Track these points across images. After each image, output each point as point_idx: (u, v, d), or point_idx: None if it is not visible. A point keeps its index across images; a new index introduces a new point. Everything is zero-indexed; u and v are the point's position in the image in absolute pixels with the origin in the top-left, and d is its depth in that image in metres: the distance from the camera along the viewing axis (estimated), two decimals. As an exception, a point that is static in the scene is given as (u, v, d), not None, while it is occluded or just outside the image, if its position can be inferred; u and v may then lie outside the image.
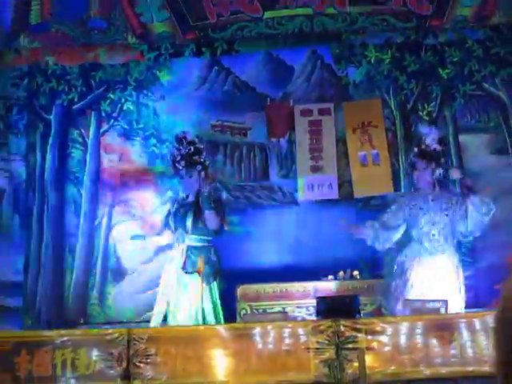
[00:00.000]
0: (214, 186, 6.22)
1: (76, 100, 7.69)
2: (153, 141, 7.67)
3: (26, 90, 7.71)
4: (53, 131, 7.69)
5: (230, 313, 6.26)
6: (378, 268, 6.59)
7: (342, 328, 4.79)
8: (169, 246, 6.27)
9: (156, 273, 6.73)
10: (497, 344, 1.17)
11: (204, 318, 5.89)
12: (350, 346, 4.76)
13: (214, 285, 6.03)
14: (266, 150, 7.74)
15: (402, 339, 4.82)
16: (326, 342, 4.77)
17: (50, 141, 7.68)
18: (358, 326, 4.82)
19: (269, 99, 7.73)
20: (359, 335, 4.78)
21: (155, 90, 7.75)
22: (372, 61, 7.57)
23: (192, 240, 6.05)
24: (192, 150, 6.11)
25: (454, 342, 4.78)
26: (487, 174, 7.08)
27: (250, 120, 7.74)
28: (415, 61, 7.54)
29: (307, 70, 7.81)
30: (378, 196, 7.26)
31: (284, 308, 6.61)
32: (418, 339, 4.82)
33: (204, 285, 5.95)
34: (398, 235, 5.91)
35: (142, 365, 4.80)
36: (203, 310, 5.90)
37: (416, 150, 5.93)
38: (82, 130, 7.75)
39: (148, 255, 7.25)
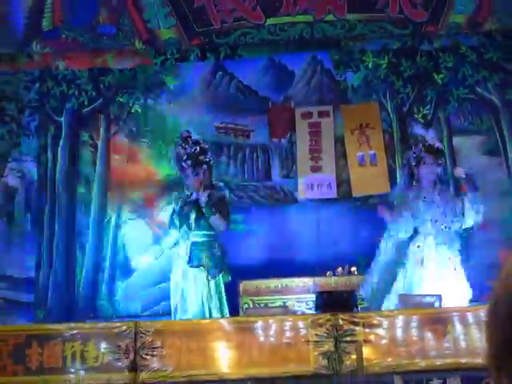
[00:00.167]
0: (213, 191, 6.20)
1: (86, 103, 7.75)
2: (159, 142, 7.74)
3: (37, 93, 7.76)
4: (64, 133, 7.75)
5: (233, 307, 6.31)
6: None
7: (341, 321, 4.91)
8: (175, 243, 6.32)
9: (163, 269, 6.81)
10: (489, 337, 1.18)
11: (210, 311, 5.97)
12: (348, 338, 4.87)
13: (220, 278, 6.10)
14: (269, 152, 7.81)
15: (399, 332, 4.94)
16: (325, 335, 4.88)
17: (61, 142, 7.74)
18: (355, 320, 4.94)
19: (271, 102, 7.81)
20: (357, 328, 4.90)
21: (162, 93, 7.83)
22: (370, 66, 7.65)
23: (196, 236, 6.14)
24: (198, 149, 6.19)
25: (448, 335, 4.90)
26: (479, 174, 7.03)
27: (253, 122, 7.80)
28: (411, 66, 7.62)
29: (307, 74, 7.88)
30: (376, 195, 7.33)
31: (285, 302, 6.63)
32: (414, 332, 4.93)
33: (209, 278, 6.03)
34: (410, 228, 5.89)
35: (148, 357, 4.92)
36: (209, 303, 5.97)
37: (421, 146, 5.94)
38: (92, 132, 7.81)
39: (155, 252, 7.24)
